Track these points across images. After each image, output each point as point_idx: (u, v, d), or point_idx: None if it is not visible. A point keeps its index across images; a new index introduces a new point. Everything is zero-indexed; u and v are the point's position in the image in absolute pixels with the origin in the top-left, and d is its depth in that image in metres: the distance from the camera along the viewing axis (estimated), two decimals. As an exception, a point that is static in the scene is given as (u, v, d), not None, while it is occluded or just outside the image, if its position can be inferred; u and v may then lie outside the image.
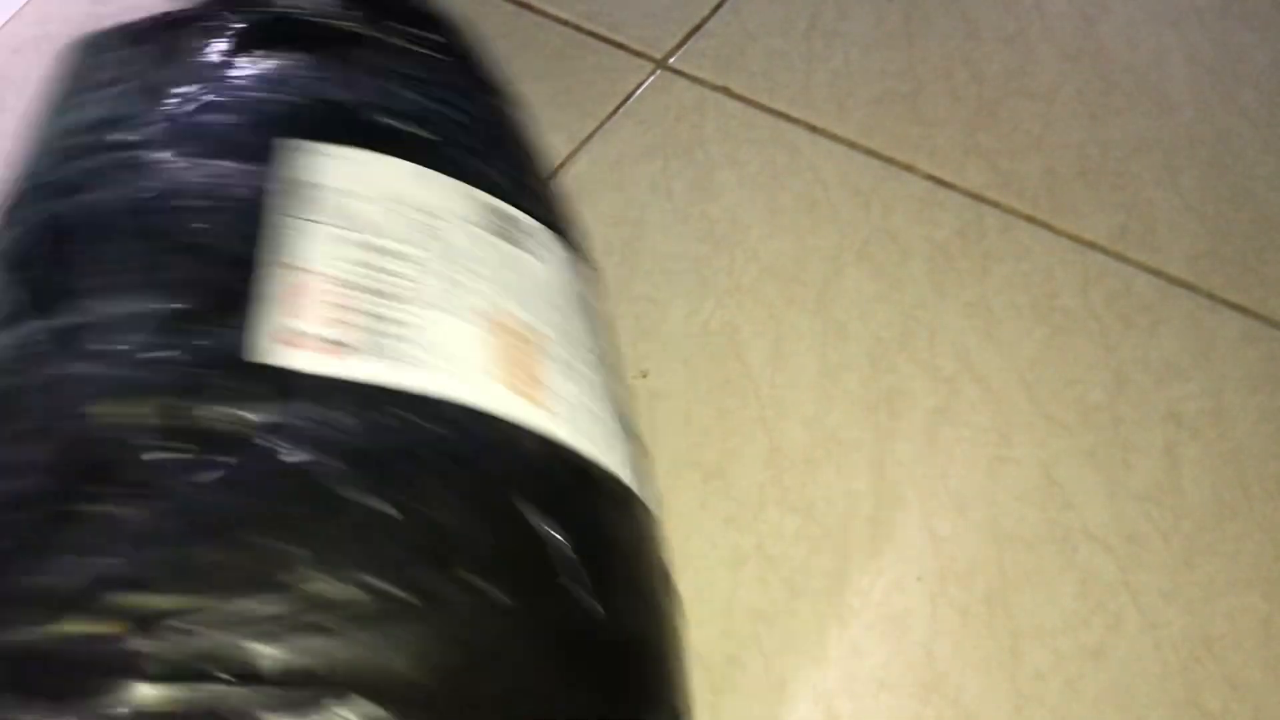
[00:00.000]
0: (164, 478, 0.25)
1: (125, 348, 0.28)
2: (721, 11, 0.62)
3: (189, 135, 0.34)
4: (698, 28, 0.61)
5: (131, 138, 0.33)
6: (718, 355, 0.48)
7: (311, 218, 0.32)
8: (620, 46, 0.61)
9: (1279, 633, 0.40)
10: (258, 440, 0.26)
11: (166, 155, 0.33)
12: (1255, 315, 0.49)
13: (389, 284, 0.31)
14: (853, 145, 0.56)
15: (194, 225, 0.31)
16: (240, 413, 0.26)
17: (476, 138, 0.39)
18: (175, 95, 0.35)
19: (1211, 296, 0.50)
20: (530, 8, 0.63)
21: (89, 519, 0.24)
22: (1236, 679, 0.40)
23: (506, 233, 0.36)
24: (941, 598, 0.42)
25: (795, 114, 0.57)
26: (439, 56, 0.41)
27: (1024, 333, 0.49)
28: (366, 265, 0.31)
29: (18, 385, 0.27)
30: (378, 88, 0.38)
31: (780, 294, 0.50)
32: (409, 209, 0.34)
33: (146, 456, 0.25)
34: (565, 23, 0.62)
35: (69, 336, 0.28)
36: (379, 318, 0.30)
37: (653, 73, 0.59)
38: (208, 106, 0.35)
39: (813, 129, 0.56)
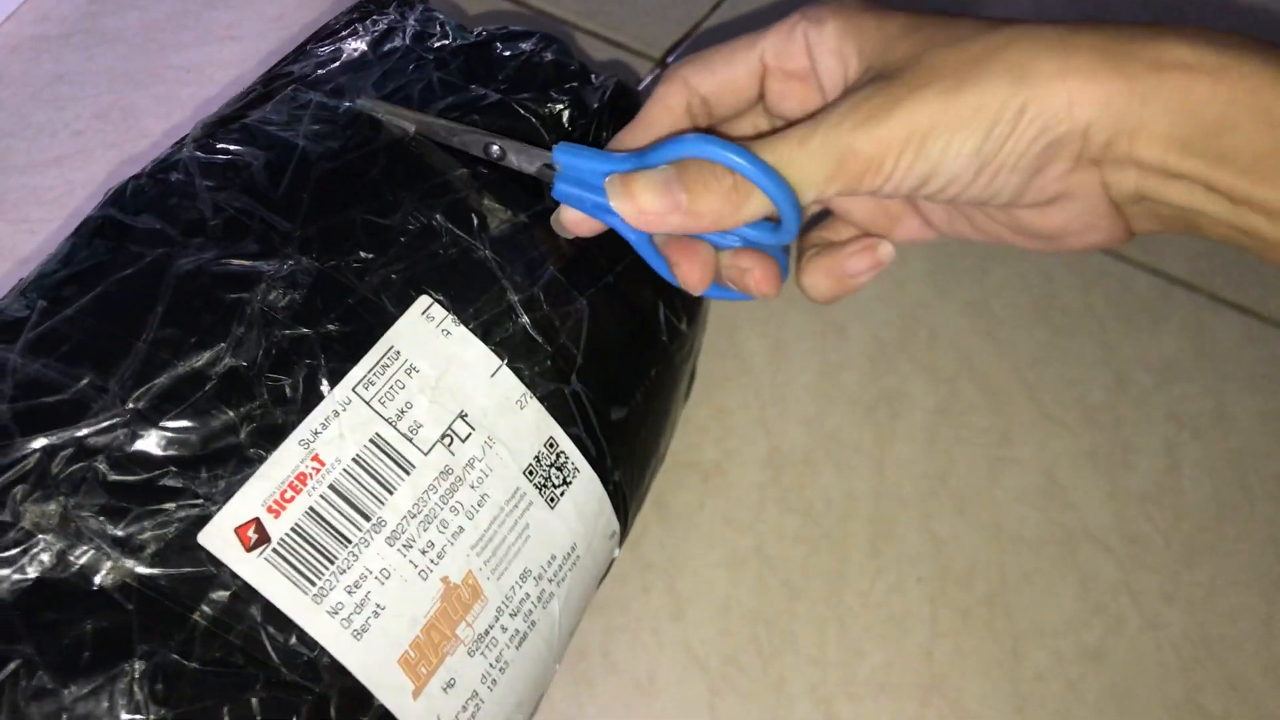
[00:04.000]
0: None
1: (91, 452, 0.27)
2: (721, 10, 0.62)
3: (342, 250, 0.31)
4: (697, 26, 0.61)
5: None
6: (717, 355, 0.47)
7: (367, 395, 0.29)
8: (619, 45, 0.60)
9: (1280, 634, 0.40)
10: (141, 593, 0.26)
11: (289, 264, 0.30)
12: (1256, 315, 0.49)
13: (362, 489, 0.29)
14: (852, 144, 0.55)
15: (253, 353, 0.29)
16: (143, 572, 0.26)
17: (610, 340, 0.35)
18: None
19: (1212, 296, 0.50)
20: (529, 7, 0.63)
21: None
22: (1237, 680, 0.39)
23: (547, 479, 0.33)
24: (941, 599, 0.42)
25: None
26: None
27: (1024, 333, 0.49)
28: (360, 461, 0.29)
29: None
30: (531, 257, 0.34)
31: (780, 293, 0.50)
32: (455, 408, 0.31)
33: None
34: (564, 21, 0.62)
35: (67, 410, 0.27)
36: (326, 523, 0.28)
37: (652, 71, 0.59)
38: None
39: (812, 128, 0.56)
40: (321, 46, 0.38)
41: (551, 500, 0.33)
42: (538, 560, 0.32)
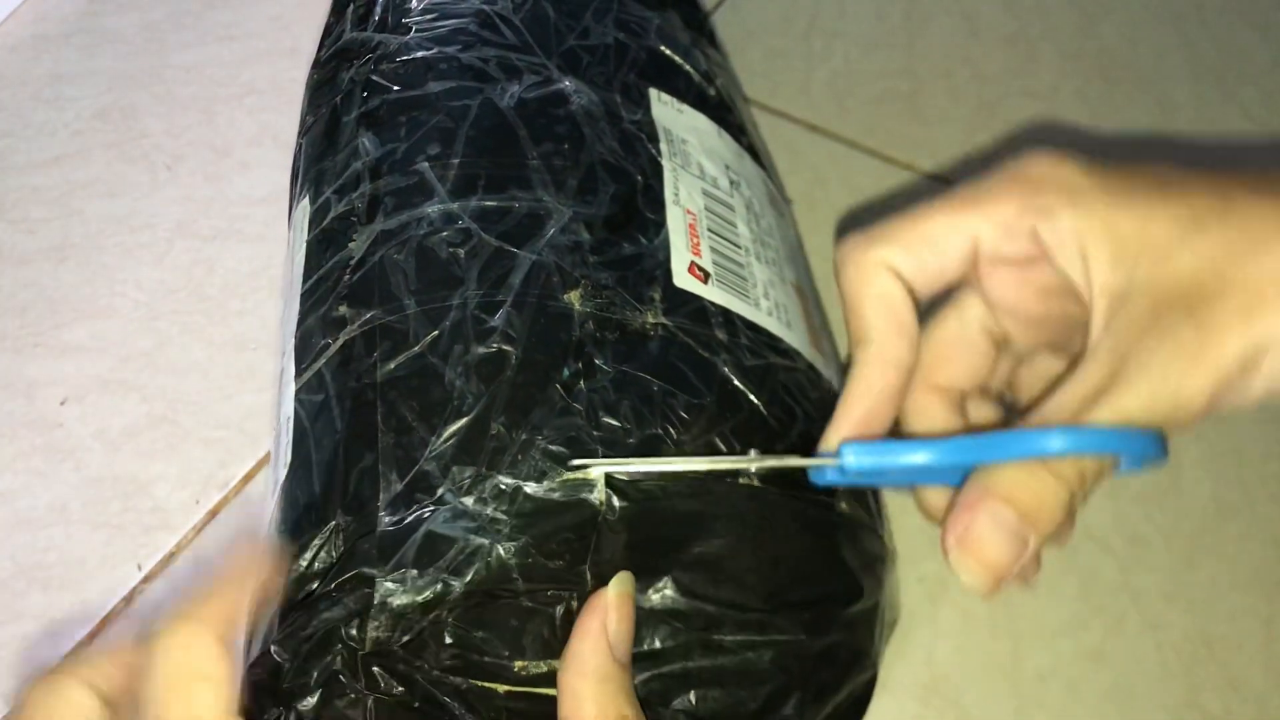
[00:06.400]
0: (603, 359, 0.31)
1: (575, 247, 0.33)
2: (721, 10, 0.62)
3: (583, 68, 0.40)
4: (697, 26, 0.61)
5: (536, 61, 0.39)
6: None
7: (680, 163, 0.38)
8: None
9: (1280, 634, 0.40)
10: (671, 337, 0.32)
11: (567, 83, 0.39)
12: (1256, 315, 0.49)
13: (723, 229, 0.37)
14: (853, 144, 0.56)
15: (607, 145, 0.37)
16: (665, 320, 0.33)
17: (737, 104, 0.46)
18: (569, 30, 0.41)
19: (1212, 296, 0.49)
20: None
21: (563, 387, 0.30)
22: (1238, 680, 0.39)
23: (775, 201, 0.43)
24: (942, 599, 0.42)
25: (795, 113, 0.57)
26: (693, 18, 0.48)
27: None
28: (710, 211, 0.37)
29: (459, 256, 0.33)
30: (682, 45, 0.44)
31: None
32: (720, 164, 0.40)
33: (594, 341, 0.31)
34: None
35: (528, 224, 0.34)
36: (725, 256, 0.36)
37: (652, 72, 0.59)
38: (597, 47, 0.41)
39: (813, 128, 0.56)
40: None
41: (781, 213, 0.43)
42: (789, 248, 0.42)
